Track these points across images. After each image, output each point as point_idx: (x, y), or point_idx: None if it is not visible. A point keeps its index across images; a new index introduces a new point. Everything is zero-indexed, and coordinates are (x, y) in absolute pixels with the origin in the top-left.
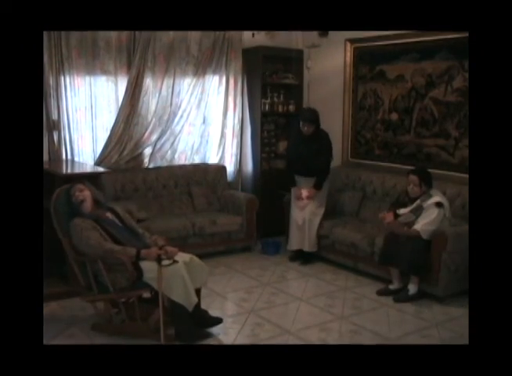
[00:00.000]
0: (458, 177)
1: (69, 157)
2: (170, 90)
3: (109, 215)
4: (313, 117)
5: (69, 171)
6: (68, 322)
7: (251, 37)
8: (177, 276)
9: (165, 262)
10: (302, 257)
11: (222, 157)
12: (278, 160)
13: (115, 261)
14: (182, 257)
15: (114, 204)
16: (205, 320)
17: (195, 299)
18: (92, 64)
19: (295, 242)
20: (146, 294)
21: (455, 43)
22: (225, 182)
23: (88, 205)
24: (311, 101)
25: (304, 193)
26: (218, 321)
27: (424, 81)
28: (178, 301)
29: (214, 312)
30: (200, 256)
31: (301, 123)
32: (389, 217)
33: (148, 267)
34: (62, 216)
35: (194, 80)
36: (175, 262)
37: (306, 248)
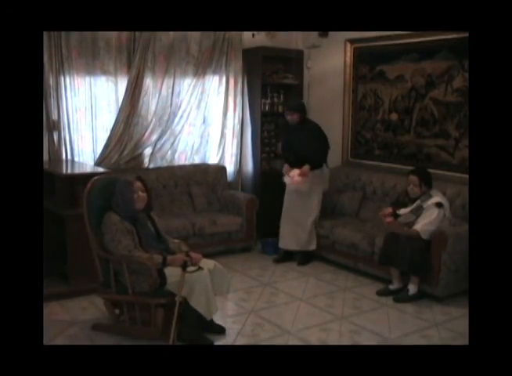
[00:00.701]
0: (458, 177)
1: (69, 157)
2: (170, 90)
3: (143, 217)
4: (294, 105)
5: (69, 171)
6: (68, 322)
7: (251, 38)
8: (201, 283)
9: (190, 269)
10: (300, 257)
11: (222, 157)
12: (278, 160)
13: (140, 266)
14: (207, 264)
15: None
16: (209, 325)
17: (216, 308)
18: (92, 64)
19: (287, 241)
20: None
21: (455, 43)
22: (225, 182)
23: (141, 207)
24: (311, 101)
25: (296, 171)
26: (221, 330)
27: (424, 81)
28: (195, 308)
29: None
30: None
31: (285, 113)
32: (388, 213)
33: (171, 272)
34: (94, 208)
35: (194, 80)
36: (201, 268)
37: (301, 247)
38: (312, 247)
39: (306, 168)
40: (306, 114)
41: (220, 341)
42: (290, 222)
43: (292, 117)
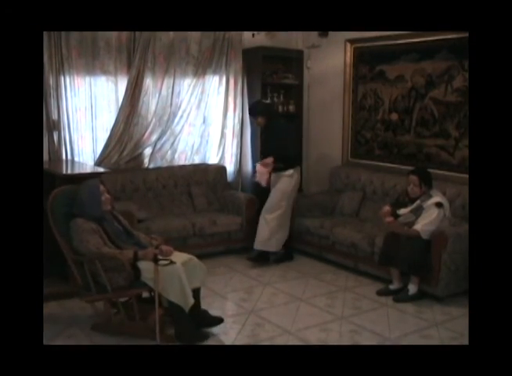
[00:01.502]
0: (458, 177)
1: (69, 157)
2: (170, 90)
3: (109, 216)
4: (253, 110)
5: (69, 171)
6: (68, 322)
7: (251, 38)
8: (174, 276)
9: (162, 262)
10: (275, 257)
11: (222, 157)
12: None
13: (113, 262)
14: (181, 257)
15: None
16: (206, 320)
17: (191, 300)
18: (92, 64)
19: (257, 240)
20: (145, 294)
21: (455, 43)
22: (225, 182)
23: (108, 208)
24: (311, 101)
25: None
26: (218, 321)
27: (424, 81)
28: (175, 302)
29: (214, 312)
30: (200, 256)
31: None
32: (386, 211)
33: (146, 267)
34: (59, 217)
35: (194, 80)
36: (172, 262)
37: (261, 246)
38: (271, 248)
39: (269, 159)
40: (271, 115)
41: (220, 337)
42: (260, 221)
43: (257, 121)
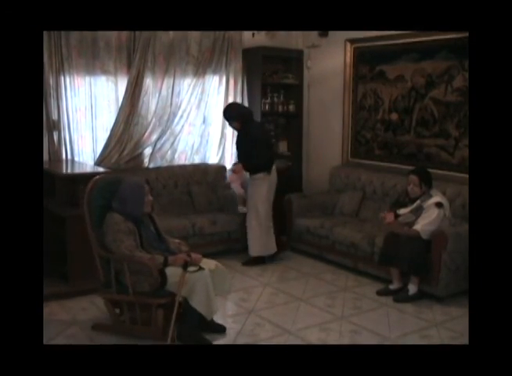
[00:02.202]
0: (458, 177)
1: (69, 157)
2: (170, 90)
3: (147, 219)
4: (226, 114)
5: (69, 171)
6: (68, 322)
7: (251, 38)
8: (202, 283)
9: (192, 269)
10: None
11: (222, 157)
12: (278, 160)
13: (140, 266)
14: (208, 264)
15: None
16: (210, 326)
17: (216, 309)
18: (92, 64)
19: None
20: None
21: (455, 43)
22: (225, 182)
23: (149, 210)
24: (311, 101)
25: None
26: (221, 329)
27: (424, 81)
28: (196, 308)
29: (215, 316)
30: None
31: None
32: (389, 217)
33: (172, 272)
34: (96, 208)
35: (194, 80)
36: (202, 268)
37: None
38: (265, 253)
39: (238, 165)
40: (245, 118)
41: (220, 341)
42: (247, 229)
43: (232, 125)
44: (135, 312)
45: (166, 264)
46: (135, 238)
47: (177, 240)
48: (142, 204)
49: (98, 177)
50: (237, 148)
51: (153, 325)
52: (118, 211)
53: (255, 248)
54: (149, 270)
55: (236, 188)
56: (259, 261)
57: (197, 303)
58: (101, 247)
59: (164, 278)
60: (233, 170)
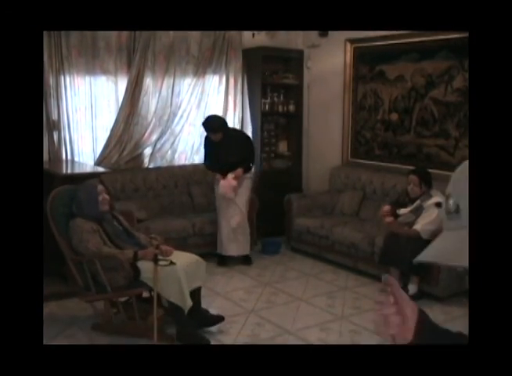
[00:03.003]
0: None
1: (69, 157)
2: (170, 90)
3: (109, 217)
4: (214, 126)
5: (69, 171)
6: (68, 322)
7: (251, 38)
8: (173, 277)
9: (162, 263)
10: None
11: None
12: (278, 160)
13: (113, 262)
14: (182, 256)
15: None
16: (207, 320)
17: (189, 302)
18: (92, 64)
19: (229, 247)
20: (145, 294)
21: (455, 43)
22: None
23: (106, 208)
24: (311, 101)
25: (232, 175)
26: (219, 319)
27: (424, 81)
28: (174, 302)
29: (214, 312)
30: (200, 256)
31: (208, 133)
32: (386, 211)
33: (145, 267)
34: (59, 217)
35: (194, 80)
36: (172, 263)
37: (242, 252)
38: (224, 252)
39: (239, 170)
40: (227, 128)
41: (220, 341)
42: (232, 230)
43: (215, 136)
44: (132, 310)
45: (136, 258)
46: (101, 235)
47: (151, 236)
48: (96, 202)
49: (56, 189)
50: (229, 156)
51: (138, 318)
52: (79, 215)
53: (233, 248)
54: (121, 263)
55: (229, 194)
56: (245, 261)
57: (170, 294)
58: (72, 252)
59: (137, 270)
60: (235, 176)
